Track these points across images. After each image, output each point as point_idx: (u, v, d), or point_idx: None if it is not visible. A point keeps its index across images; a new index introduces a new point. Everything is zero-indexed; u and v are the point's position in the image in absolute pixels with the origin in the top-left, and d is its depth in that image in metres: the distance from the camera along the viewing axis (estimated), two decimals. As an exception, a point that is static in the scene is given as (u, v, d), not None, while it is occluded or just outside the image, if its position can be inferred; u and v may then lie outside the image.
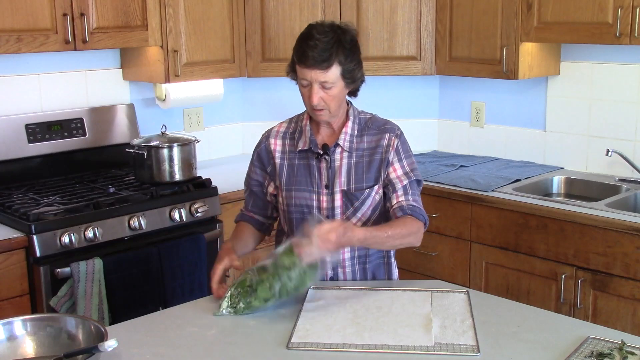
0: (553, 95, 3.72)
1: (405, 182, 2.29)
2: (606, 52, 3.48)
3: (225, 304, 2.08)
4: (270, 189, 2.39)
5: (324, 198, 2.30)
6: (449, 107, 4.15)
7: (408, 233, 2.21)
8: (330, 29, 2.20)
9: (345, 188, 2.29)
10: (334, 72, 2.18)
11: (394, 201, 2.28)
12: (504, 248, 3.28)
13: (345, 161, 2.30)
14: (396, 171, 2.30)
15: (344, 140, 2.30)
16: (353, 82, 2.26)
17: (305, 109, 2.40)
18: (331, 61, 2.16)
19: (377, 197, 2.32)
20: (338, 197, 2.29)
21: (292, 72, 2.28)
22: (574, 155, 3.68)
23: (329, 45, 2.16)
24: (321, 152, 2.30)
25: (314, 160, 2.31)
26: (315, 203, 2.30)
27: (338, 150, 2.30)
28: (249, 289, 2.07)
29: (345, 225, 2.06)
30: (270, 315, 2.04)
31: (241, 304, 2.07)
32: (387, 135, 2.31)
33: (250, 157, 2.45)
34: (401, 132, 2.35)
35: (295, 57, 2.21)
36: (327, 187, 2.30)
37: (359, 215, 2.31)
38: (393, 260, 2.43)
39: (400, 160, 2.31)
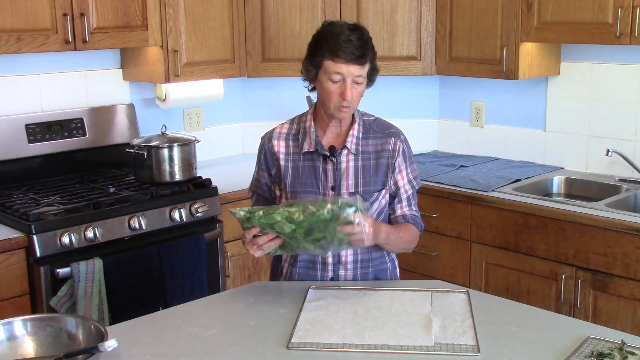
0: (553, 95, 3.72)
1: (410, 192, 2.36)
2: (606, 52, 3.48)
3: (244, 210, 2.08)
4: (277, 191, 2.39)
5: None
6: (449, 107, 4.15)
7: (410, 239, 2.33)
8: (354, 26, 2.21)
9: (354, 190, 2.29)
10: (366, 69, 2.22)
11: (398, 211, 2.35)
12: (504, 248, 3.28)
13: (352, 163, 2.30)
14: (403, 179, 2.34)
15: (351, 142, 2.30)
16: (372, 81, 2.29)
17: (303, 111, 2.40)
18: (366, 57, 2.19)
19: (384, 202, 2.33)
20: None
21: (313, 70, 2.23)
22: (574, 155, 3.68)
23: (362, 42, 2.18)
24: (328, 154, 2.30)
25: (319, 162, 2.31)
26: None
27: (344, 152, 2.30)
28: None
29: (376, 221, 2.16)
30: (270, 315, 2.04)
31: (260, 212, 2.05)
32: (392, 140, 2.33)
33: (256, 160, 2.43)
34: (405, 137, 2.38)
35: (327, 53, 2.17)
36: (333, 189, 2.30)
37: None
38: (396, 264, 2.44)
39: (406, 167, 2.35)
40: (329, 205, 2.02)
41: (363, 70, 2.20)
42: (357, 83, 2.21)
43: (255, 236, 2.09)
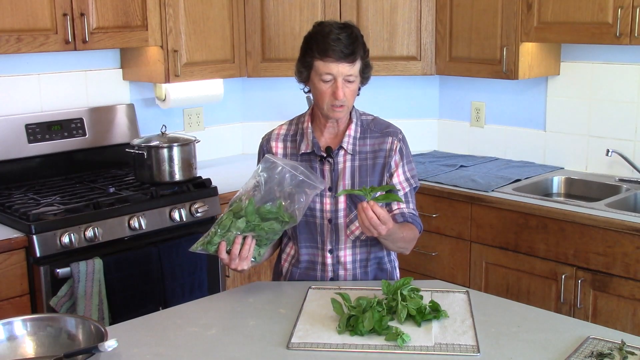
0: (553, 95, 3.72)
1: (407, 189, 2.34)
2: (606, 52, 3.48)
3: (200, 241, 2.14)
4: None
5: (327, 200, 2.30)
6: (449, 107, 4.15)
7: (411, 239, 2.28)
8: (343, 25, 2.21)
9: None
10: (357, 66, 2.21)
11: (395, 207, 2.32)
12: (504, 248, 3.28)
13: (348, 164, 2.30)
14: (399, 176, 2.32)
15: (347, 142, 2.30)
16: (366, 78, 2.28)
17: (303, 111, 2.40)
18: (356, 55, 2.19)
19: None
20: (342, 200, 2.29)
21: (305, 71, 2.24)
22: (574, 155, 3.68)
23: (352, 40, 2.18)
24: (324, 155, 2.29)
25: (316, 163, 2.31)
26: (318, 205, 2.30)
27: (341, 152, 2.30)
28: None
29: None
30: (270, 315, 2.04)
31: (213, 229, 2.10)
32: (389, 139, 2.32)
33: (256, 162, 2.42)
34: (403, 136, 2.36)
35: (317, 53, 2.18)
36: (330, 189, 2.30)
37: None
38: (396, 265, 2.44)
39: (403, 165, 2.33)
40: (253, 181, 2.10)
41: (354, 69, 2.19)
42: (349, 82, 2.20)
43: (228, 252, 2.12)
